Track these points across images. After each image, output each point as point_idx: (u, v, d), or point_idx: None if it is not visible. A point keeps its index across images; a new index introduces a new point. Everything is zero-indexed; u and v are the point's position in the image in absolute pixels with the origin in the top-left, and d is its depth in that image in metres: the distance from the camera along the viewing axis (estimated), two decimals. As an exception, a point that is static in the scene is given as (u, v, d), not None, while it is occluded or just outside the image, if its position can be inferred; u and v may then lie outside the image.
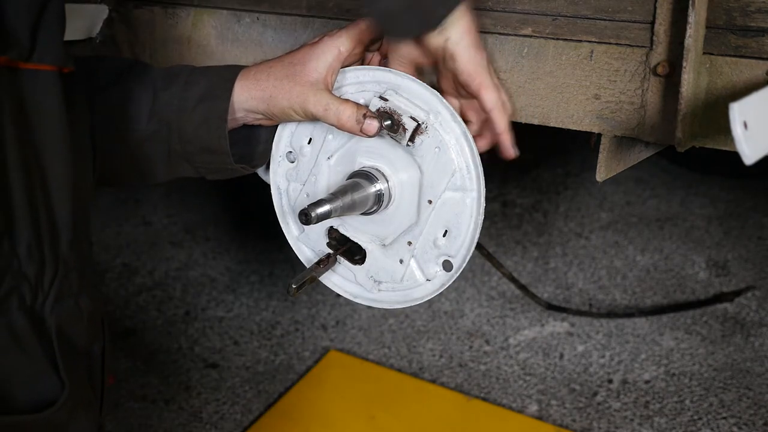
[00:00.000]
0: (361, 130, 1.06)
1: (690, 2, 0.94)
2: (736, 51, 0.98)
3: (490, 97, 1.01)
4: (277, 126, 1.20)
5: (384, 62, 1.13)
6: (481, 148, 1.07)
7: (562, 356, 2.27)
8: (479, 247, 1.37)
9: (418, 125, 1.07)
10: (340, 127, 1.07)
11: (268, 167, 1.24)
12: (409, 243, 1.12)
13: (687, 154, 1.08)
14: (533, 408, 2.10)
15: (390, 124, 1.07)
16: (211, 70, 1.14)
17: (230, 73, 1.11)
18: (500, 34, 1.12)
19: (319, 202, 1.05)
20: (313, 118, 1.09)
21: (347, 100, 1.07)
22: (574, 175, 3.27)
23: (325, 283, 1.21)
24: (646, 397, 2.12)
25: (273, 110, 1.10)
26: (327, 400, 2.13)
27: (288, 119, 1.13)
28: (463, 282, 2.59)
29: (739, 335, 2.33)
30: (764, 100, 0.85)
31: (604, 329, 2.38)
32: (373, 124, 1.05)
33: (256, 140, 1.19)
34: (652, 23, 1.01)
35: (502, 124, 1.04)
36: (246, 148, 1.19)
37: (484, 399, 2.13)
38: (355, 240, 1.16)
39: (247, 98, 1.10)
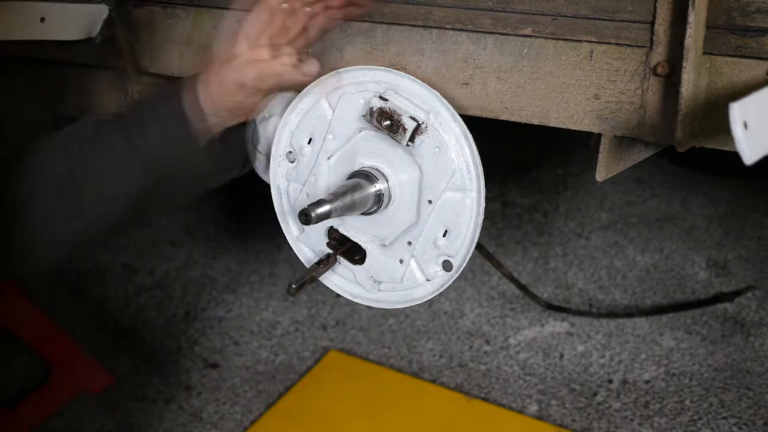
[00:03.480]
0: (304, 74, 1.07)
1: (690, 2, 0.94)
2: (736, 51, 0.98)
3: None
4: (243, 125, 1.19)
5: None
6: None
7: (562, 356, 2.27)
8: (479, 247, 1.37)
9: (418, 125, 1.07)
10: (282, 82, 1.08)
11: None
12: (409, 243, 1.12)
13: (687, 154, 1.08)
14: (533, 408, 2.10)
15: (390, 123, 1.07)
16: (166, 116, 1.12)
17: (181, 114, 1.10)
18: (500, 34, 1.12)
19: (319, 202, 1.05)
20: (264, 89, 1.10)
21: (276, 55, 1.07)
22: (574, 175, 3.26)
23: (325, 283, 1.21)
24: (646, 397, 2.12)
25: (225, 106, 1.11)
26: (327, 400, 2.13)
27: (250, 108, 1.13)
28: (463, 282, 2.59)
29: (739, 335, 2.33)
30: (764, 100, 0.85)
31: (604, 329, 2.38)
32: (313, 63, 1.08)
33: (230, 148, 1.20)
34: (652, 23, 1.01)
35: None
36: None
37: (484, 399, 2.13)
38: (355, 240, 1.16)
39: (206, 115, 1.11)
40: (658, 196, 3.09)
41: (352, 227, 1.17)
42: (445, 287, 1.13)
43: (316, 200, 1.06)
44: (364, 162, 1.12)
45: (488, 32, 1.13)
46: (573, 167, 3.31)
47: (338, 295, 1.30)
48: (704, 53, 0.99)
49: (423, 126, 1.07)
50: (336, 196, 1.07)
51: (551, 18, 1.08)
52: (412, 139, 1.07)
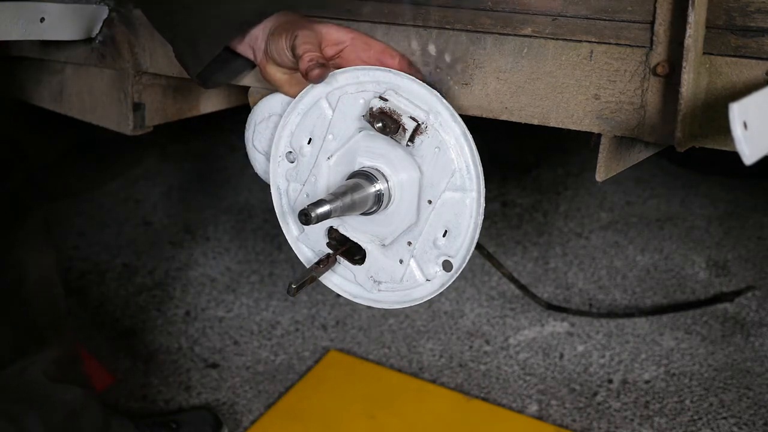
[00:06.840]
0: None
1: (690, 2, 0.94)
2: (736, 51, 0.98)
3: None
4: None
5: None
6: None
7: (562, 356, 2.28)
8: (479, 247, 1.37)
9: (418, 125, 1.07)
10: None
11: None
12: (409, 243, 1.12)
13: (687, 154, 1.08)
14: (533, 408, 2.10)
15: (390, 123, 1.07)
16: None
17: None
18: (500, 34, 1.12)
19: (319, 202, 1.05)
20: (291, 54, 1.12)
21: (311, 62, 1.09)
22: (574, 175, 3.27)
23: (325, 283, 1.21)
24: (646, 397, 2.12)
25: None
26: (327, 400, 2.13)
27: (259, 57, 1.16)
28: (463, 282, 2.59)
29: (739, 335, 2.33)
30: (764, 100, 0.85)
31: (604, 329, 2.38)
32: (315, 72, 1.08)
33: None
34: (652, 23, 1.01)
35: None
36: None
37: (484, 399, 2.13)
38: (355, 240, 1.16)
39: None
40: (658, 196, 3.09)
41: (352, 227, 1.17)
42: (445, 287, 1.13)
43: (316, 200, 1.06)
44: (364, 162, 1.12)
45: (488, 32, 1.13)
46: (573, 167, 3.31)
47: (338, 295, 1.30)
48: (704, 53, 0.99)
49: (423, 126, 1.07)
50: (336, 196, 1.07)
51: (551, 18, 1.08)
52: (411, 139, 1.07)
